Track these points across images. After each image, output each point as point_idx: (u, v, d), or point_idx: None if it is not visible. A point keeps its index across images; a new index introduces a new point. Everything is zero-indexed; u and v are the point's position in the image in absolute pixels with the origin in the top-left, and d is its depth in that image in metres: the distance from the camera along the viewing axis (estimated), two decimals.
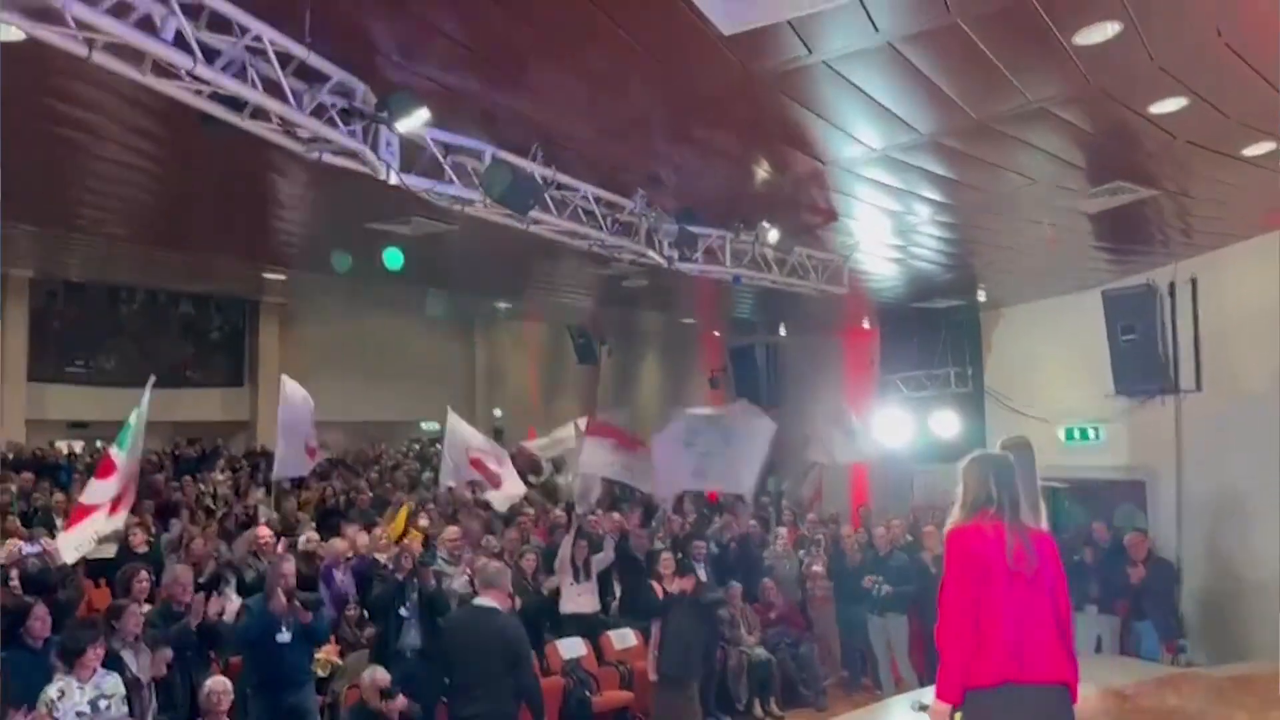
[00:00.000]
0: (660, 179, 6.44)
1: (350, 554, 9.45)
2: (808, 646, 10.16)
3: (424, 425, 26.95)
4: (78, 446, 19.57)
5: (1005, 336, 11.88)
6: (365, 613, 8.66)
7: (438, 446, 22.35)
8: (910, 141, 5.93)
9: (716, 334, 17.20)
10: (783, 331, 14.72)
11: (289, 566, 7.00)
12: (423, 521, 11.76)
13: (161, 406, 22.55)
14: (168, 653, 6.15)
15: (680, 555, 9.87)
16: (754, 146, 6.07)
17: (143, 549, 9.10)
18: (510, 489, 10.90)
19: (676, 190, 6.65)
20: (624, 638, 9.54)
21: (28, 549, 6.70)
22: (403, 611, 7.60)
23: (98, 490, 7.46)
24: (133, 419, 8.30)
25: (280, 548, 8.88)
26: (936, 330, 12.44)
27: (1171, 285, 9.56)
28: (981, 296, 11.15)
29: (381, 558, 9.13)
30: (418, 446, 23.38)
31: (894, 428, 12.50)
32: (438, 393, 26.39)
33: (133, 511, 12.94)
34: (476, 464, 10.50)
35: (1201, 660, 8.96)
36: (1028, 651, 3.72)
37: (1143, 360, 9.36)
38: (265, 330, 24.64)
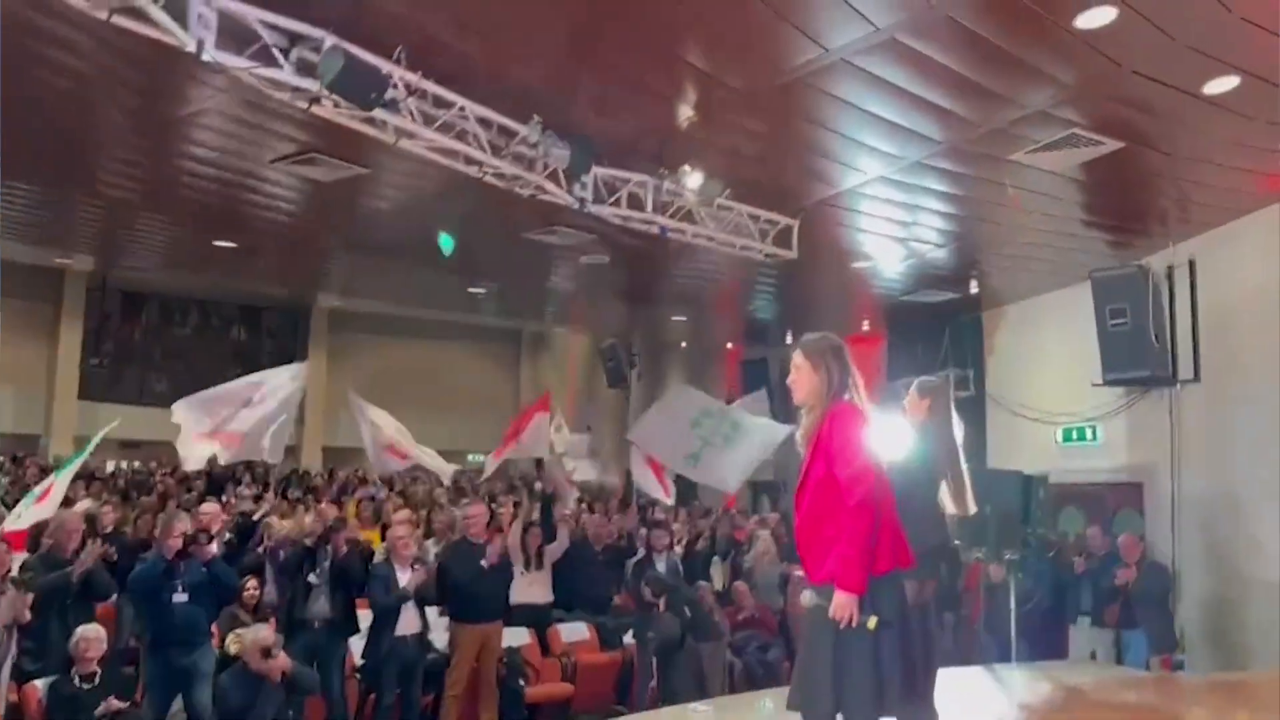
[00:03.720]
0: (569, 107, 6.12)
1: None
2: (777, 651, 9.54)
3: (470, 458, 27.07)
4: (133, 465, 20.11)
5: (1007, 337, 11.24)
6: None
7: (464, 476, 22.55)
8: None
9: (730, 346, 16.86)
10: (789, 339, 14.22)
11: (180, 525, 6.77)
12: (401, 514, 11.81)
13: None
14: (27, 598, 5.92)
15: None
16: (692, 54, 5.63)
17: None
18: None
19: (593, 125, 6.31)
20: (575, 630, 9.07)
21: None
22: (312, 578, 7.24)
23: (33, 514, 7.39)
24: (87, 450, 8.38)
25: (218, 525, 8.68)
26: (939, 333, 11.87)
27: (1169, 269, 8.87)
28: (975, 288, 10.54)
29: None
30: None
31: (897, 437, 11.88)
32: (484, 423, 26.68)
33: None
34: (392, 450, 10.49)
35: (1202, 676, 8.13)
36: (900, 536, 3.49)
37: (1133, 347, 8.65)
38: (314, 358, 24.97)
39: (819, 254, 8.94)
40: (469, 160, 5.69)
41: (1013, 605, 8.08)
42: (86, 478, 15.72)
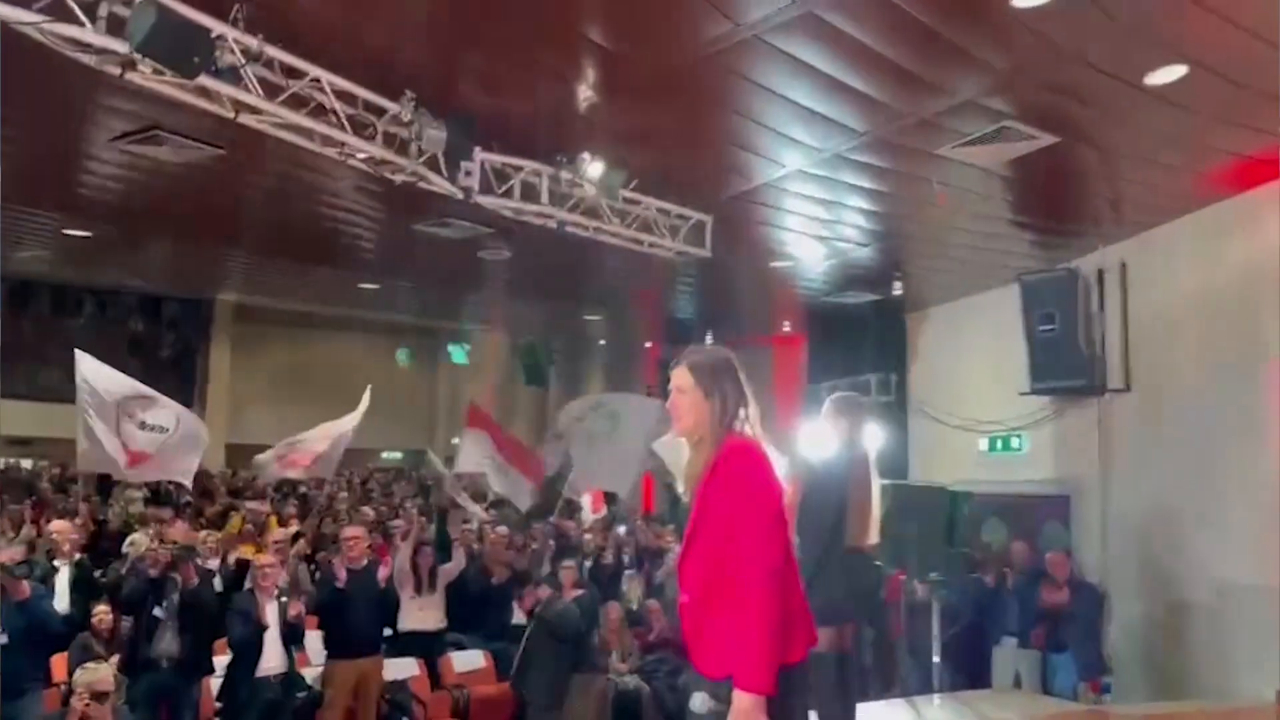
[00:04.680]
0: (451, 84, 5.40)
1: None
2: (689, 675, 8.93)
3: (385, 455, 26.17)
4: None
5: (931, 340, 10.78)
6: None
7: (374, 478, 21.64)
8: None
9: (649, 345, 16.29)
10: (709, 340, 13.65)
11: (10, 553, 5.91)
12: (276, 534, 11.18)
13: None
14: None
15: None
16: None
17: None
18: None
19: (480, 105, 5.58)
20: (470, 660, 8.35)
21: None
22: (158, 612, 6.44)
23: None
24: None
25: (67, 547, 7.81)
26: (862, 336, 11.38)
27: (1100, 272, 8.46)
28: (899, 289, 10.05)
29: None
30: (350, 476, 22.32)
31: (820, 441, 11.39)
32: (400, 421, 25.82)
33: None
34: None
35: (1134, 701, 7.75)
36: (807, 609, 2.78)
37: (1062, 354, 8.21)
38: (217, 351, 24.02)
39: (736, 253, 8.35)
40: (327, 141, 4.93)
41: (936, 629, 7.59)
42: None
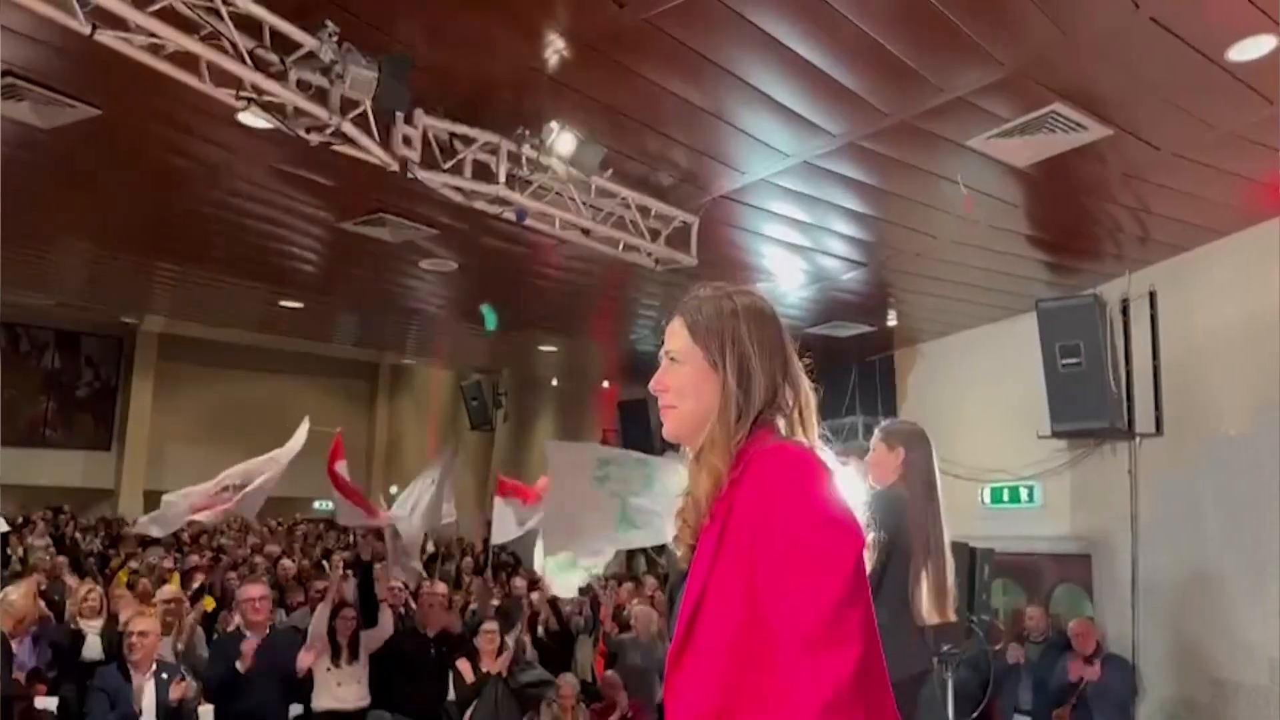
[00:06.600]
0: (386, 29, 4.30)
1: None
2: None
3: (316, 504, 24.75)
4: None
5: (923, 380, 9.79)
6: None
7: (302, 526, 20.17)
8: None
9: (606, 384, 15.16)
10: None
11: None
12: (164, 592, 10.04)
13: (16, 468, 20.23)
14: None
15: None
16: None
17: None
18: None
19: (423, 59, 4.46)
20: None
21: None
22: None
23: None
24: None
25: None
26: (845, 376, 10.38)
27: (1124, 301, 7.54)
28: (893, 319, 9.06)
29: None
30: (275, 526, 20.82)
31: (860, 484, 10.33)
32: None
33: None
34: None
35: None
36: None
37: (1088, 392, 7.23)
38: (138, 389, 22.79)
39: (716, 268, 7.27)
40: (219, 77, 3.77)
41: (950, 712, 6.47)
42: None
